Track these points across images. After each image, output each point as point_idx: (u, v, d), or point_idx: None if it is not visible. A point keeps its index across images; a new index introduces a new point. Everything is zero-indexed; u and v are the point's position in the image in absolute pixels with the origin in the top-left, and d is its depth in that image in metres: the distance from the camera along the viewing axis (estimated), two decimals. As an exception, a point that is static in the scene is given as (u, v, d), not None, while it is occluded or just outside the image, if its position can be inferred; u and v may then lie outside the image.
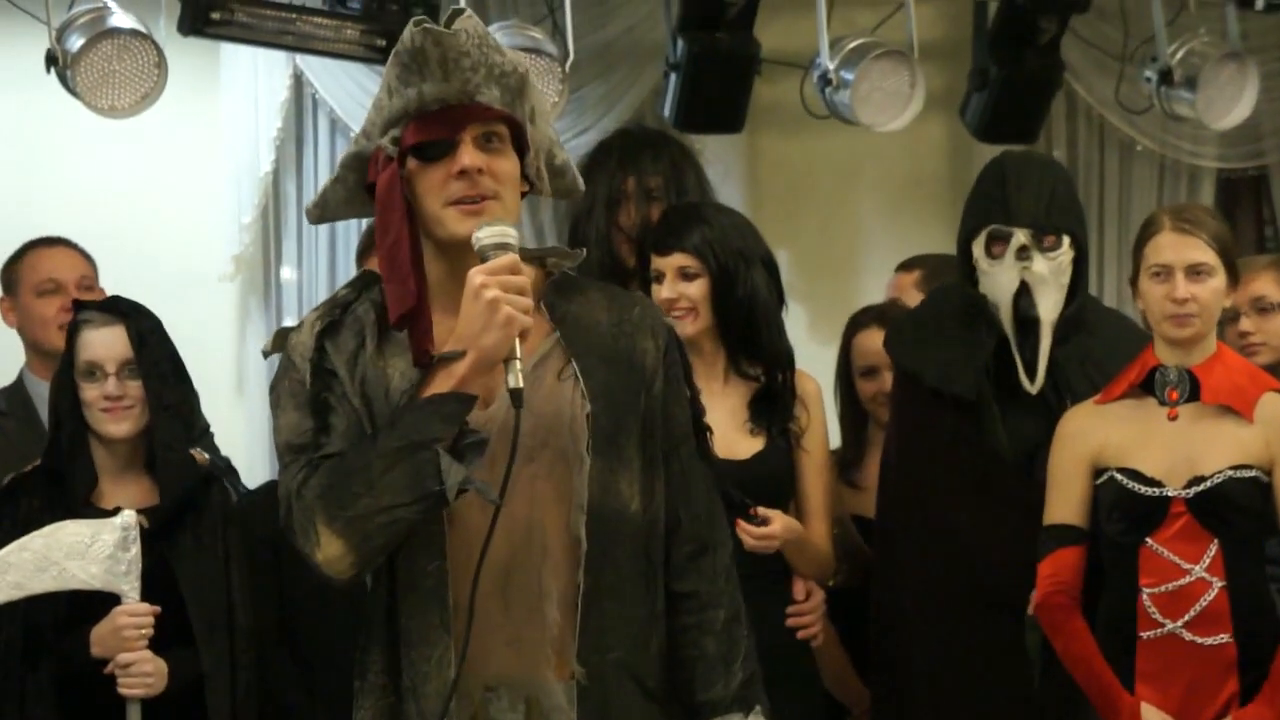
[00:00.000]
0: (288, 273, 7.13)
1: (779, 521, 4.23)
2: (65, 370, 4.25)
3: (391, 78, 3.09)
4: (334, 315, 3.16)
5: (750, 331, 4.36)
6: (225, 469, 5.00)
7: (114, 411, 4.21)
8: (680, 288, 4.30)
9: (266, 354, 3.27)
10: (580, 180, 3.35)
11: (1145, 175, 7.77)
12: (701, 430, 3.38)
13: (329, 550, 3.01)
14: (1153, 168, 7.78)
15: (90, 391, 4.21)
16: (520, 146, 3.16)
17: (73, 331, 4.27)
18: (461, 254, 3.08)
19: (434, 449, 2.97)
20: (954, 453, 4.31)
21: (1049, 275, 4.25)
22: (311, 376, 3.10)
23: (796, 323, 7.12)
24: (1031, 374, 4.25)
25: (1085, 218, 4.47)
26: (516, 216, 3.15)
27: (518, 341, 2.99)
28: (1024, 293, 4.25)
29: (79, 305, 4.37)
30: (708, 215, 4.44)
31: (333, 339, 3.13)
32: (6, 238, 5.37)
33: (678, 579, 3.28)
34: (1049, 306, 4.25)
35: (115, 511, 4.14)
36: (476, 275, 2.99)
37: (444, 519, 3.06)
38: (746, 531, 4.15)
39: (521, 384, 3.00)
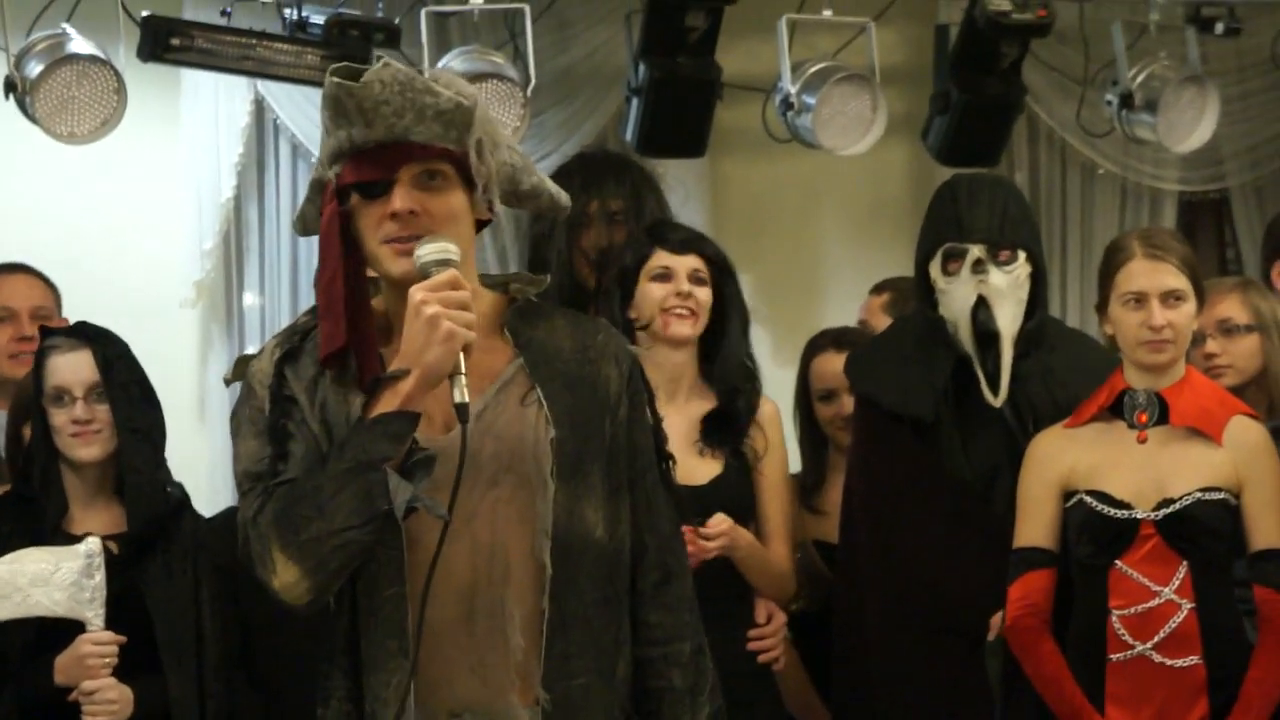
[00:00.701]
0: (250, 299, 7.08)
1: (726, 523, 4.23)
2: (35, 398, 4.25)
3: (326, 118, 3.08)
4: (293, 342, 3.15)
5: (734, 346, 4.38)
6: (180, 495, 4.98)
7: (83, 435, 4.21)
8: (692, 289, 4.35)
9: (228, 382, 3.27)
10: (563, 196, 3.34)
11: (1107, 198, 7.77)
12: (665, 457, 3.36)
13: (285, 576, 3.00)
14: (1115, 190, 7.79)
15: (59, 417, 4.21)
16: (469, 179, 3.15)
17: (40, 358, 4.27)
18: (401, 290, 3.08)
19: (382, 469, 2.96)
20: (913, 476, 4.33)
21: (1006, 289, 4.27)
22: (270, 403, 3.09)
23: (760, 346, 7.05)
24: (995, 387, 4.27)
25: (1040, 234, 4.53)
26: (468, 247, 3.13)
27: (462, 357, 2.98)
28: (982, 306, 4.27)
29: (45, 332, 4.37)
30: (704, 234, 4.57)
31: (292, 366, 3.12)
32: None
33: (644, 608, 3.26)
34: (1008, 320, 4.27)
35: (82, 538, 4.12)
36: (417, 292, 2.98)
37: (403, 544, 3.05)
38: (699, 535, 4.15)
39: (467, 399, 2.99)
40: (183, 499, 4.41)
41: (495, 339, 3.14)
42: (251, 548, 3.04)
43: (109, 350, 4.28)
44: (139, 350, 4.41)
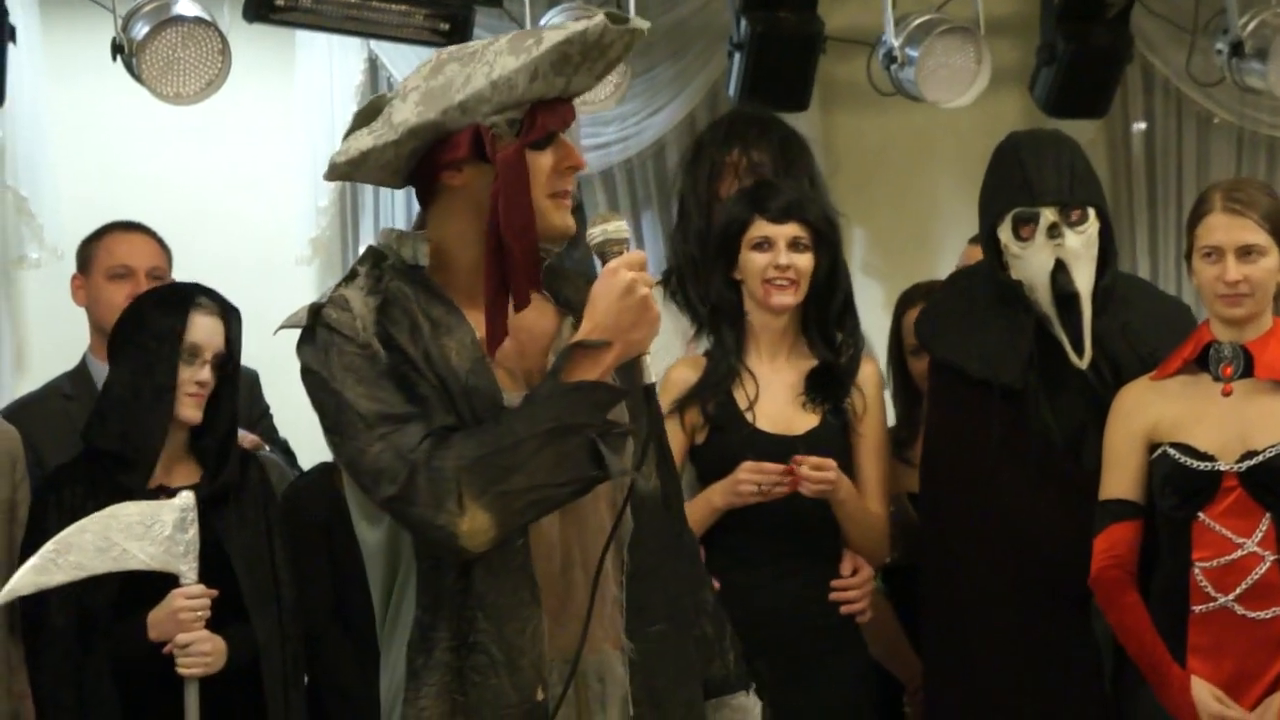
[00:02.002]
0: (366, 254, 7.17)
1: (834, 468, 4.27)
2: (163, 348, 4.29)
3: (545, 63, 3.00)
4: (380, 291, 3.10)
5: (838, 310, 4.40)
6: (283, 450, 5.08)
7: (198, 397, 4.29)
8: (791, 258, 4.33)
9: (287, 328, 3.20)
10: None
11: (1223, 148, 7.71)
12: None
13: (476, 522, 2.97)
14: (1231, 140, 7.71)
15: (185, 372, 4.28)
16: None
17: (182, 311, 4.32)
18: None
19: (586, 435, 3.00)
20: (1003, 440, 4.30)
21: (1081, 249, 4.25)
22: (386, 350, 3.05)
23: (872, 299, 7.14)
24: (1079, 349, 4.25)
25: (1103, 189, 4.47)
26: None
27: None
28: (1060, 270, 4.24)
29: (195, 288, 4.41)
30: (809, 191, 4.53)
31: (388, 316, 3.08)
32: (85, 226, 5.43)
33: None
34: (1085, 280, 4.25)
35: (156, 491, 4.22)
36: (625, 270, 3.02)
37: None
38: (805, 464, 4.20)
39: (654, 379, 3.07)
40: (247, 452, 4.50)
41: (536, 298, 3.14)
42: (418, 488, 2.97)
43: (236, 327, 4.38)
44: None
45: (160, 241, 5.28)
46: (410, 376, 3.05)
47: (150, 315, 4.35)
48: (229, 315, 4.37)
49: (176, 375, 4.27)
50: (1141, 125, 7.77)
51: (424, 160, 3.10)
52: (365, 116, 3.16)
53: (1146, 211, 7.75)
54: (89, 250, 5.22)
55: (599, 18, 3.00)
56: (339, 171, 3.15)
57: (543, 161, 3.08)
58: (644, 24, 3.08)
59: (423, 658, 3.13)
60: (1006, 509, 4.30)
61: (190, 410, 4.29)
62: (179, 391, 4.27)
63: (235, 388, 4.43)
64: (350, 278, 3.15)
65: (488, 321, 3.08)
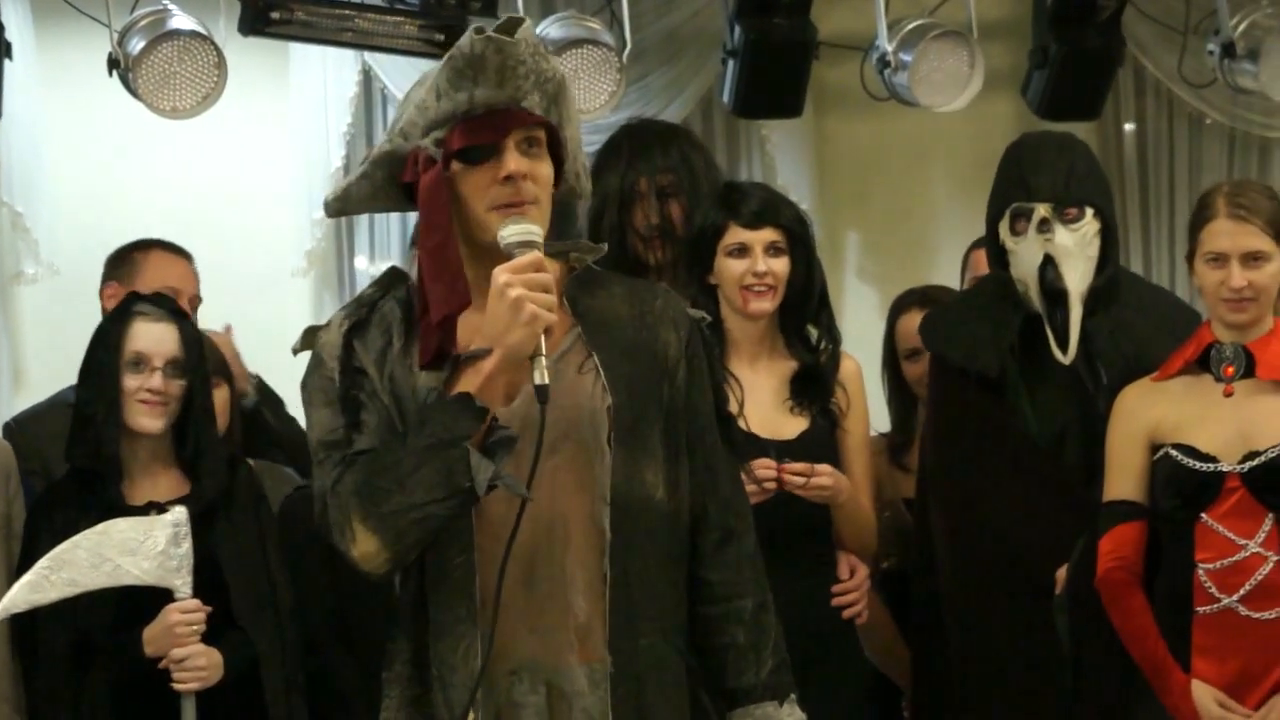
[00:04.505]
0: (361, 266, 7.19)
1: (831, 473, 4.28)
2: (108, 359, 4.28)
3: (442, 80, 3.09)
4: (360, 314, 3.19)
5: (815, 311, 4.41)
6: (273, 400, 5.08)
7: (153, 405, 4.25)
8: (769, 263, 4.33)
9: (296, 352, 3.31)
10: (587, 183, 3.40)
11: (1215, 148, 7.73)
12: (725, 419, 3.39)
13: (364, 546, 3.06)
14: (1223, 140, 7.74)
15: (132, 381, 4.25)
16: (556, 151, 3.20)
17: (123, 320, 4.30)
18: (490, 260, 3.11)
19: (463, 446, 3.01)
20: (984, 432, 4.34)
21: (1074, 247, 4.27)
22: (340, 374, 3.13)
23: (866, 304, 7.17)
24: (1063, 345, 4.27)
25: (1110, 191, 4.50)
26: (548, 219, 3.18)
27: (542, 338, 3.03)
28: (1049, 265, 4.27)
29: (133, 297, 4.41)
30: (780, 194, 4.54)
31: (360, 337, 3.16)
32: (81, 241, 5.45)
33: (705, 567, 3.31)
34: (1076, 278, 4.27)
35: (145, 507, 4.20)
36: (501, 274, 3.02)
37: (472, 513, 3.11)
38: (795, 473, 4.21)
39: (547, 380, 3.03)
40: (236, 455, 4.50)
41: (555, 308, 3.15)
42: (330, 516, 3.09)
43: (191, 329, 4.35)
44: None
45: (195, 273, 5.27)
46: (360, 400, 3.12)
47: (100, 329, 4.36)
48: (180, 318, 4.35)
49: (120, 385, 4.25)
50: (1130, 126, 7.79)
51: (400, 186, 3.21)
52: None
53: (1139, 212, 7.78)
54: (130, 263, 5.17)
55: (469, 32, 3.07)
56: (331, 209, 3.30)
57: (478, 176, 3.12)
58: (526, 28, 3.10)
59: (386, 671, 3.23)
60: (984, 503, 4.33)
61: (146, 419, 4.26)
62: (129, 401, 4.25)
63: (207, 392, 4.38)
64: (355, 298, 3.26)
65: (420, 336, 3.12)
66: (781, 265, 4.34)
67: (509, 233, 3.07)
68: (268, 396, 5.14)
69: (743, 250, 4.33)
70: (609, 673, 3.15)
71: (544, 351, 3.04)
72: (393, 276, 3.27)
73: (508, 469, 3.05)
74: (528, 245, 3.06)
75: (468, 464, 3.01)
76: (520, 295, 3.00)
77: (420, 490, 3.01)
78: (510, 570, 3.08)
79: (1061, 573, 4.21)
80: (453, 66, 3.08)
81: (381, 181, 3.21)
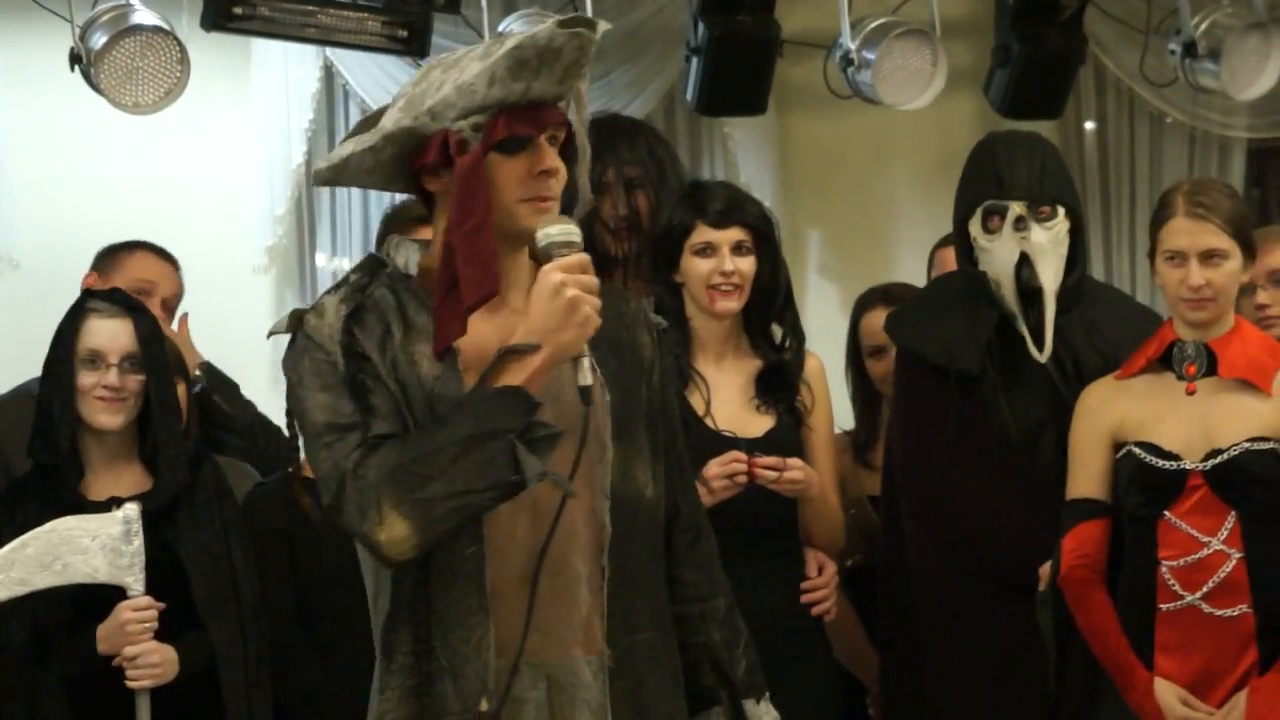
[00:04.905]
0: (322, 262, 7.18)
1: (803, 467, 4.29)
2: (64, 356, 4.26)
3: (501, 68, 3.04)
4: (357, 300, 3.16)
5: (780, 309, 4.42)
6: (226, 384, 5.07)
7: (110, 402, 4.23)
8: (736, 262, 4.33)
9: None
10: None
11: (1176, 147, 7.76)
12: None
13: (394, 531, 3.02)
14: (1183, 139, 7.77)
15: (88, 379, 4.22)
16: (568, 153, 3.20)
17: (77, 317, 4.28)
18: (509, 249, 3.14)
19: (508, 439, 3.00)
20: (959, 431, 4.33)
21: (1048, 245, 4.28)
22: (345, 359, 3.11)
23: (828, 301, 7.18)
24: (1039, 343, 4.28)
25: (1077, 190, 4.53)
26: None
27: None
28: (1024, 263, 4.27)
29: (88, 294, 4.39)
30: (746, 193, 4.53)
31: (359, 323, 3.14)
32: (41, 236, 5.42)
33: (680, 566, 3.34)
34: (1050, 276, 4.28)
35: (108, 502, 4.18)
36: (555, 273, 3.03)
37: None
38: (768, 467, 4.22)
39: (591, 381, 3.06)
40: (199, 450, 4.47)
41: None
42: (348, 497, 3.05)
43: (148, 323, 4.31)
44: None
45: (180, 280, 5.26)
46: (367, 384, 3.10)
47: (58, 327, 4.33)
48: (137, 312, 4.32)
49: (75, 382, 4.22)
50: (1091, 125, 7.82)
51: (409, 166, 3.17)
52: (365, 124, 3.23)
53: (1099, 211, 7.81)
54: (117, 261, 5.19)
55: (549, 22, 3.05)
56: (322, 177, 3.24)
57: (513, 166, 3.10)
58: (604, 25, 3.11)
59: (384, 660, 3.18)
60: (959, 500, 4.33)
61: (103, 416, 4.24)
62: (85, 398, 4.23)
63: (169, 387, 4.36)
64: (339, 284, 3.21)
65: (435, 322, 3.11)
66: (748, 264, 4.34)
67: (553, 231, 3.07)
68: (220, 381, 5.11)
69: (709, 249, 4.33)
70: (607, 667, 3.17)
71: (587, 352, 3.06)
72: (375, 263, 3.25)
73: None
74: (569, 245, 3.07)
75: (513, 456, 3.00)
76: (577, 296, 3.02)
77: (462, 479, 3.00)
78: (513, 564, 3.11)
79: (1045, 569, 4.21)
80: (518, 56, 3.03)
81: (388, 158, 3.17)
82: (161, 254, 5.22)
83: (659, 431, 3.31)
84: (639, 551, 3.22)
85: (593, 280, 3.05)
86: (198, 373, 5.02)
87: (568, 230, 3.07)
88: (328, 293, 3.21)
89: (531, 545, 3.13)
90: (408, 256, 3.21)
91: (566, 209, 3.23)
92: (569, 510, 3.13)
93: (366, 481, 3.03)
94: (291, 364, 3.17)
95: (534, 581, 3.07)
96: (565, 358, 3.05)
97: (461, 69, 3.10)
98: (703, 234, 4.33)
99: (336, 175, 3.22)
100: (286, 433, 4.60)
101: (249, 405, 5.16)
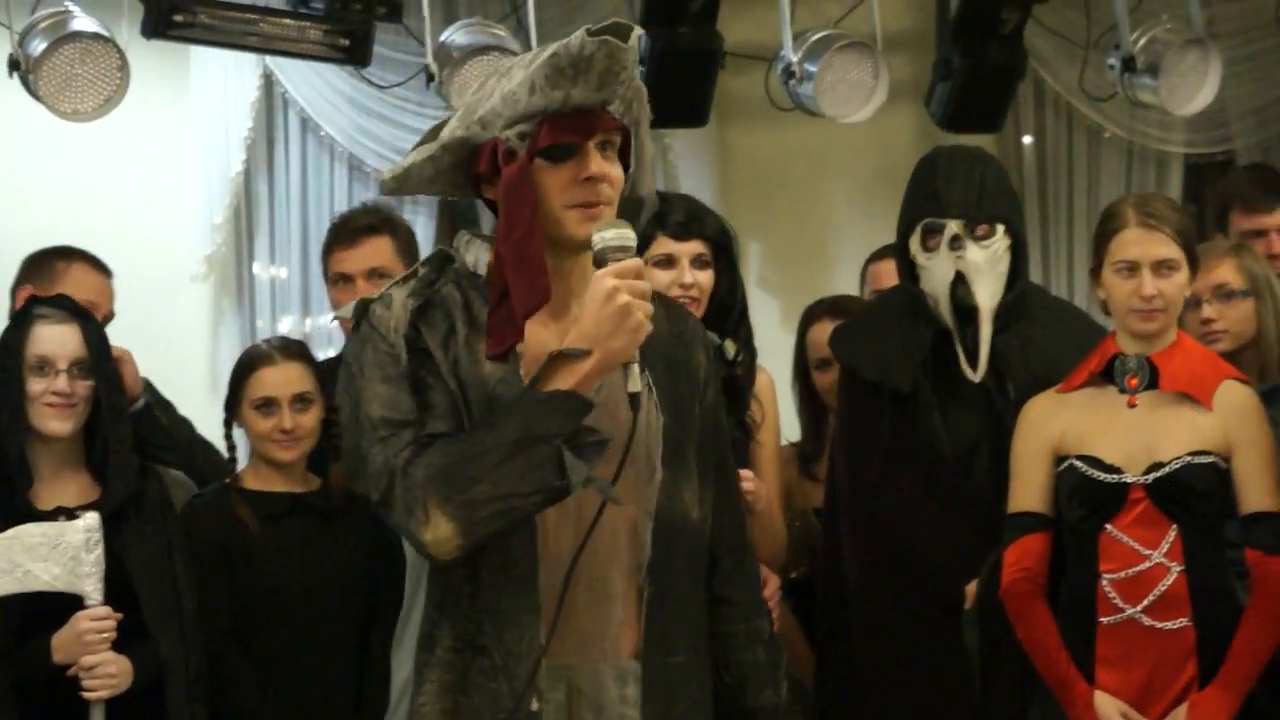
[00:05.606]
0: (260, 272, 7.14)
1: (755, 479, 4.29)
2: (11, 364, 4.24)
3: (539, 76, 3.06)
4: (426, 295, 3.18)
5: (735, 324, 4.41)
6: (164, 402, 5.04)
7: (60, 408, 4.22)
8: (695, 275, 4.33)
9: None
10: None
11: (1113, 161, 7.80)
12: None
13: (439, 531, 3.02)
14: (1121, 154, 7.81)
15: (37, 385, 4.21)
16: (626, 156, 3.21)
17: (23, 323, 4.27)
18: (566, 255, 3.15)
19: (555, 444, 3.00)
20: (894, 447, 4.34)
21: (984, 264, 4.28)
22: (408, 353, 3.13)
23: (769, 313, 7.17)
24: (973, 362, 4.29)
25: (1020, 207, 4.53)
26: None
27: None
28: (960, 282, 4.28)
29: (35, 300, 4.37)
30: (705, 206, 4.53)
31: (425, 318, 3.16)
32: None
33: (726, 586, 3.38)
34: (986, 295, 4.28)
35: (55, 512, 4.17)
36: (608, 279, 3.02)
37: None
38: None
39: (640, 388, 3.06)
40: (144, 463, 4.45)
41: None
42: (397, 496, 3.06)
43: (95, 329, 4.31)
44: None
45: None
46: (427, 381, 3.12)
47: (4, 334, 4.32)
48: (84, 318, 4.31)
49: (23, 389, 4.21)
50: (1029, 139, 7.86)
51: (468, 174, 3.21)
52: (431, 134, 3.27)
53: (1038, 224, 7.83)
54: (48, 268, 5.15)
55: (581, 29, 3.07)
56: (388, 187, 3.29)
57: (560, 174, 3.12)
58: (637, 31, 3.13)
59: (425, 655, 3.21)
60: (893, 516, 4.34)
61: (53, 423, 4.23)
62: (35, 405, 4.21)
63: (118, 393, 4.36)
64: (408, 277, 3.23)
65: (489, 327, 3.12)
66: (707, 278, 4.33)
67: (608, 235, 3.06)
68: (158, 400, 5.09)
69: (669, 261, 4.32)
70: (640, 687, 3.18)
71: (638, 359, 3.06)
72: (443, 259, 3.27)
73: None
74: (623, 250, 3.06)
75: (559, 461, 3.00)
76: (629, 303, 3.01)
77: (508, 482, 3.01)
78: (552, 573, 3.11)
79: (972, 587, 4.22)
80: (554, 64, 3.06)
81: (446, 166, 3.21)
82: (97, 265, 5.19)
83: (708, 452, 3.32)
84: (679, 574, 3.24)
85: (646, 286, 3.05)
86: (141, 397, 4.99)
87: (623, 235, 3.06)
88: (395, 284, 3.23)
89: (572, 552, 3.12)
90: (477, 255, 3.23)
91: (633, 214, 3.24)
92: (612, 525, 3.14)
93: (414, 480, 3.03)
94: (354, 351, 3.20)
95: (565, 584, 3.07)
96: (615, 363, 3.05)
97: (510, 78, 3.13)
98: (663, 245, 4.32)
99: (401, 184, 3.27)
100: (226, 454, 4.60)
101: (187, 424, 5.13)
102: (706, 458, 3.31)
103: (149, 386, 5.07)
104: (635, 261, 3.06)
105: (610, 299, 3.01)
